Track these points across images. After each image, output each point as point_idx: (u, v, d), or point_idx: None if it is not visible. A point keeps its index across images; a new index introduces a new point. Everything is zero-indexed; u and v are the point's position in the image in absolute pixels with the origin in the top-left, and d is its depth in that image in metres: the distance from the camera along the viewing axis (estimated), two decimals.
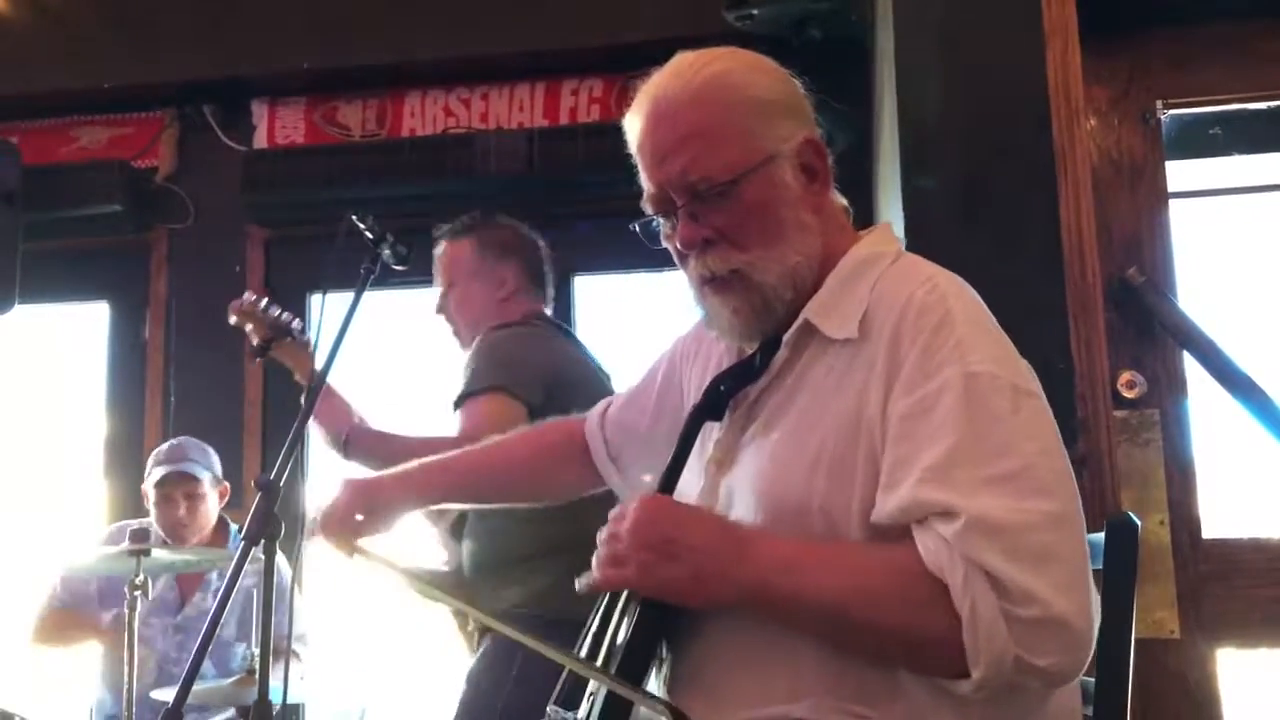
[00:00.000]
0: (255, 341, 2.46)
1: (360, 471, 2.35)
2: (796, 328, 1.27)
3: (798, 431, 1.23)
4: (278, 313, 2.45)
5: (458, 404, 2.31)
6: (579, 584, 1.23)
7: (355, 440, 2.33)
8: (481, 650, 2.34)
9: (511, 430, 2.23)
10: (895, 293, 1.22)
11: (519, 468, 1.69)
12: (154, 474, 3.06)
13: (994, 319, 1.23)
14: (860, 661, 1.16)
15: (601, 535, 1.22)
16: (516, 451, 1.70)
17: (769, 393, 1.29)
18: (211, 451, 3.14)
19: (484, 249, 2.53)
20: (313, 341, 2.44)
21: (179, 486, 3.03)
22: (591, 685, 1.28)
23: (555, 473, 1.68)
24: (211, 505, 3.10)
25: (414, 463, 1.65)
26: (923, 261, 1.30)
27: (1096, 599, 1.12)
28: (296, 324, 2.46)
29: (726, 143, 1.26)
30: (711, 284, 1.29)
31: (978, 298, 1.24)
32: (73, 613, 3.05)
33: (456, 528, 2.45)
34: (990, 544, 1.05)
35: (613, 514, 1.23)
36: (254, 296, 2.46)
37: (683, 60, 1.32)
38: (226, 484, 3.15)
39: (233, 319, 2.48)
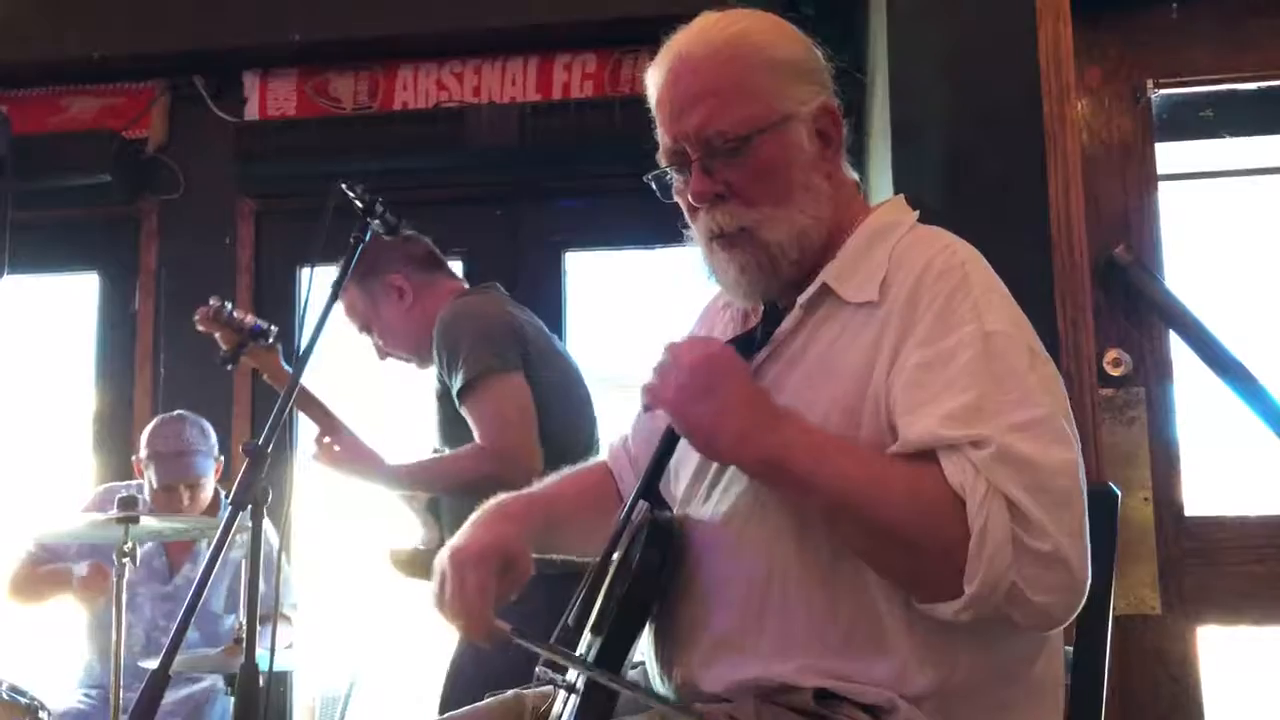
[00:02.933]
0: (224, 348, 2.40)
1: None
2: (813, 291, 1.28)
3: (803, 391, 1.25)
4: (243, 316, 2.41)
5: (462, 395, 2.30)
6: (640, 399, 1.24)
7: (402, 479, 2.37)
8: None
9: (529, 407, 2.26)
10: (914, 257, 1.24)
11: (590, 513, 1.52)
12: (156, 470, 2.98)
13: (1008, 290, 1.25)
14: (849, 616, 1.18)
15: (669, 347, 1.23)
16: (577, 494, 1.55)
17: (771, 361, 1.31)
18: (209, 429, 3.10)
19: (363, 281, 2.50)
20: (280, 346, 2.45)
21: (182, 481, 3.00)
22: (581, 648, 1.29)
23: (607, 517, 1.45)
24: (210, 486, 3.07)
25: (505, 499, 1.46)
26: (940, 230, 1.31)
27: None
28: (262, 326, 2.42)
29: (745, 99, 1.28)
30: (720, 240, 1.31)
31: (992, 269, 1.26)
32: (48, 567, 3.01)
33: (434, 504, 2.46)
34: (1017, 476, 1.08)
35: (684, 339, 1.25)
36: (218, 302, 2.39)
37: (707, 18, 1.34)
38: (221, 457, 3.13)
39: (200, 327, 2.42)
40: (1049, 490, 1.08)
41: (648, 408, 1.26)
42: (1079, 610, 1.12)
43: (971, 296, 1.19)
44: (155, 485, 2.99)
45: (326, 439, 2.40)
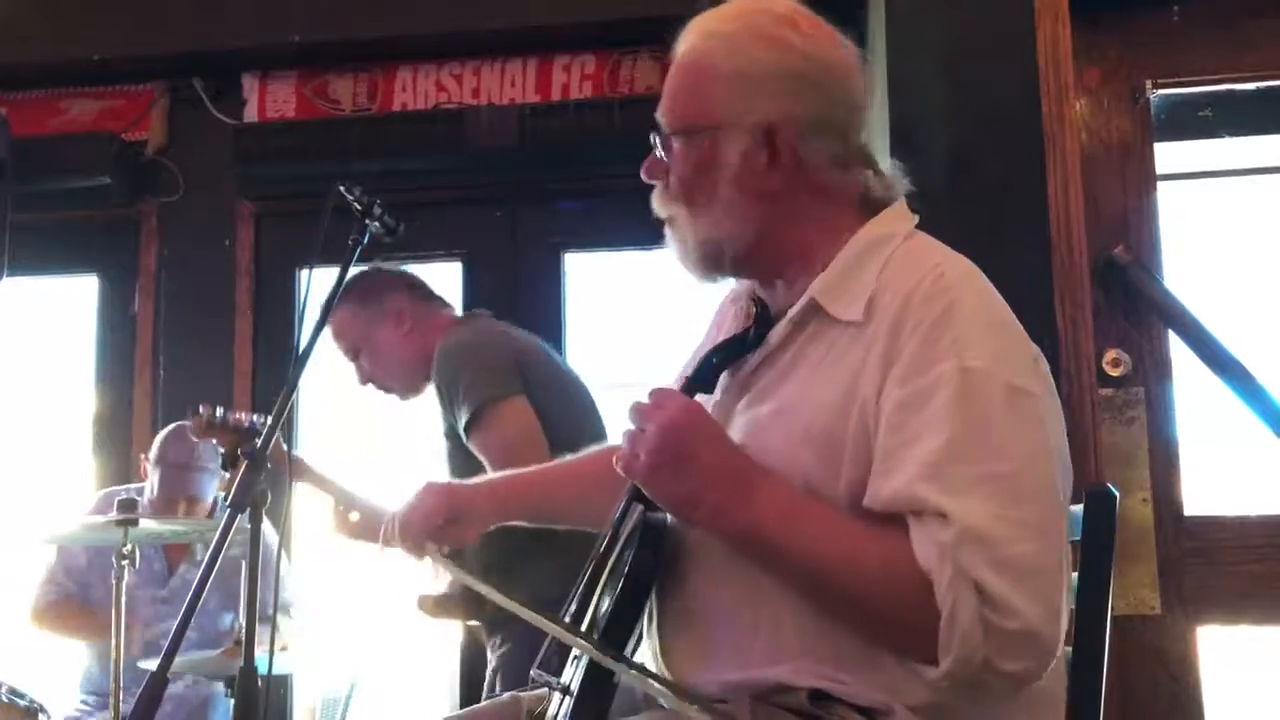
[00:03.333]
0: (223, 452, 2.39)
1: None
2: (802, 306, 1.26)
3: (789, 406, 1.24)
4: (238, 417, 2.41)
5: (469, 430, 2.29)
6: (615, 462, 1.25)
7: None
8: (505, 640, 2.35)
9: (535, 429, 2.27)
10: (902, 278, 1.21)
11: (590, 490, 1.58)
12: (160, 478, 2.97)
13: (1003, 308, 1.22)
14: (839, 627, 1.17)
15: (635, 409, 1.22)
16: (586, 473, 1.62)
17: (764, 368, 1.30)
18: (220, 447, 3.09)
19: (362, 302, 2.50)
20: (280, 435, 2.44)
21: (182, 496, 2.99)
22: (575, 651, 1.29)
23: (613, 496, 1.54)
24: (210, 500, 3.06)
25: (500, 474, 1.60)
26: (934, 245, 1.28)
27: (1068, 602, 1.14)
28: (259, 420, 2.41)
29: (691, 98, 1.31)
30: (665, 220, 1.37)
31: (988, 286, 1.23)
32: (73, 604, 3.01)
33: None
34: (978, 555, 1.07)
35: (655, 395, 1.23)
36: (208, 410, 2.38)
37: (728, 6, 1.35)
38: (226, 474, 3.10)
39: (195, 439, 2.44)
40: (1011, 562, 1.07)
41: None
42: (1050, 665, 1.11)
43: (954, 329, 1.15)
44: (155, 493, 2.99)
45: (341, 508, 2.40)
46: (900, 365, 1.16)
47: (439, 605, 2.41)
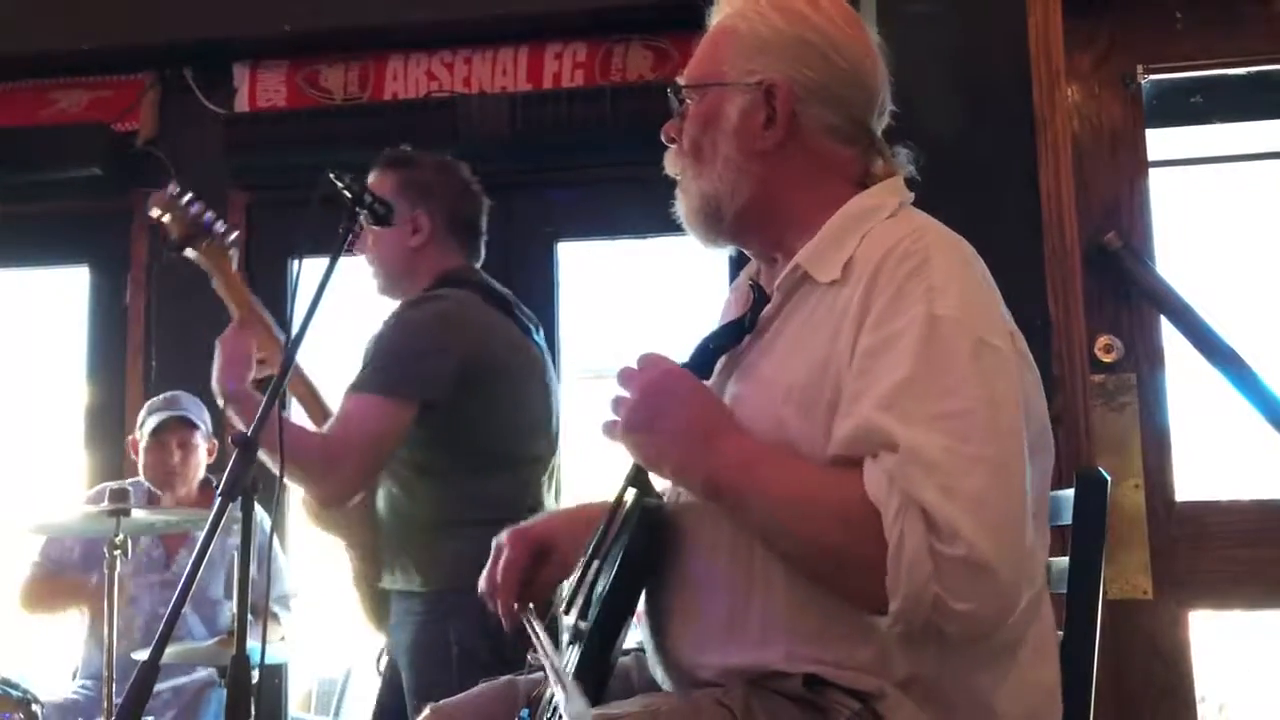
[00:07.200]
0: (172, 236, 2.34)
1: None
2: (788, 274, 1.29)
3: (771, 373, 1.26)
4: (201, 211, 2.35)
5: (355, 388, 2.20)
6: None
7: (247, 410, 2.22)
8: (404, 627, 2.26)
9: (389, 442, 2.14)
10: (881, 240, 1.24)
11: None
12: (149, 421, 3.04)
13: (985, 275, 1.23)
14: (831, 599, 1.17)
15: (622, 374, 1.25)
16: None
17: (754, 343, 1.32)
18: (203, 406, 3.12)
19: (405, 187, 2.37)
20: (235, 252, 2.40)
21: (175, 433, 3.03)
22: (566, 636, 1.30)
23: None
24: (202, 458, 3.10)
25: (570, 508, 1.59)
26: (919, 215, 1.30)
27: (1041, 559, 1.13)
28: (219, 226, 2.37)
29: (707, 58, 1.38)
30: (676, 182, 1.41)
31: (972, 257, 1.24)
32: (58, 579, 3.05)
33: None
34: (925, 479, 1.06)
35: (644, 360, 1.26)
36: (176, 189, 2.34)
37: None
38: (215, 441, 3.15)
39: (153, 212, 2.35)
40: (959, 491, 1.06)
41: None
42: (1010, 615, 1.09)
43: (926, 281, 1.16)
44: (146, 443, 3.03)
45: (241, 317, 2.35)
46: (872, 316, 1.18)
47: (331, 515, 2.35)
